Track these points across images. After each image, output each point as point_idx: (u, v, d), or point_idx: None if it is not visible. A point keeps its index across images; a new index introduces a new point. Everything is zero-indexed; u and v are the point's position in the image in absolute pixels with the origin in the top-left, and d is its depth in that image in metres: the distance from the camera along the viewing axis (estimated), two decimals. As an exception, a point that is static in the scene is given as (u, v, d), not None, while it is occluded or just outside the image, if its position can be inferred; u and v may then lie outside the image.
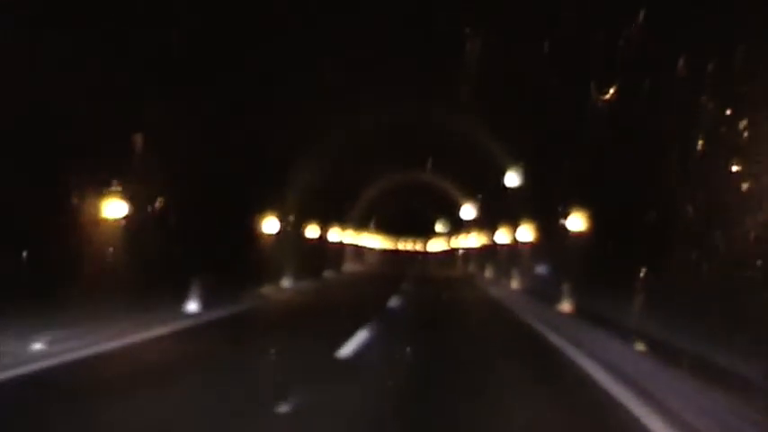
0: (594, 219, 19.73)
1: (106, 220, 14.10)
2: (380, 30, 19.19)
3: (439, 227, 72.71)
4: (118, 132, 14.45)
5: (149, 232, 14.98)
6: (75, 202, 13.50)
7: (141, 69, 14.97)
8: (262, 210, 25.71)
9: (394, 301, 23.72)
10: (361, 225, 59.91)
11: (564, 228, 20.93)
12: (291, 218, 29.73)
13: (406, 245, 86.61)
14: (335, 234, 42.83)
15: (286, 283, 28.14)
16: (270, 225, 25.80)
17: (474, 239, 50.93)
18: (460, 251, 59.43)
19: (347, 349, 12.76)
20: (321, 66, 22.38)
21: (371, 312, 19.34)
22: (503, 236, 37.36)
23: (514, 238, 32.08)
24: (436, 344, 14.29)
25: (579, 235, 20.31)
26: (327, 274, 38.86)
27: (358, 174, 42.38)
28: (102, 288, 13.79)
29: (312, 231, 34.32)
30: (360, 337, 14.31)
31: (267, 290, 24.88)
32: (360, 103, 28.74)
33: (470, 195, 47.99)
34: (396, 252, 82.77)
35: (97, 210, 13.94)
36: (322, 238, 38.79)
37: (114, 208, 14.13)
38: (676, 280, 12.83)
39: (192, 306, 17.71)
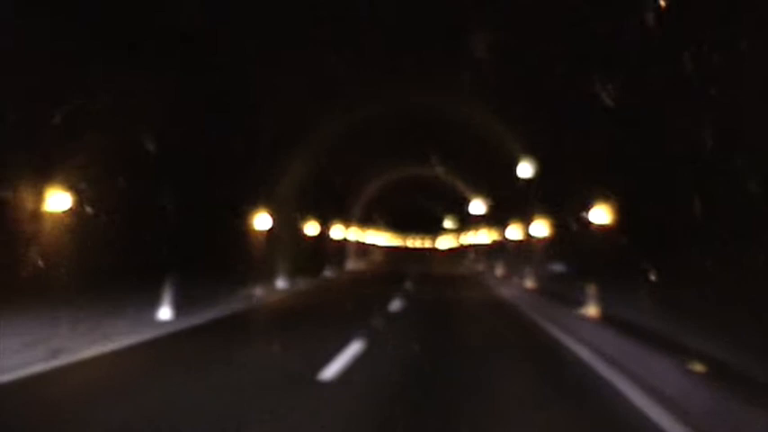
0: (621, 211, 17.30)
1: (47, 215, 11.74)
2: (386, 16, 18.08)
3: (447, 223, 70.32)
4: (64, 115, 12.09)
5: (102, 227, 12.62)
6: (9, 195, 11.15)
7: (93, 38, 12.67)
8: (252, 204, 23.35)
9: (395, 305, 21.34)
10: (366, 222, 57.50)
11: (585, 221, 18.49)
12: (286, 213, 27.35)
13: (414, 242, 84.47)
14: (337, 231, 40.42)
15: (280, 283, 25.77)
16: (261, 221, 23.42)
17: (483, 236, 48.48)
18: (469, 248, 56.91)
19: (332, 369, 10.39)
20: (321, 49, 20.46)
21: (368, 318, 17.01)
22: (514, 232, 34.93)
23: (527, 234, 29.62)
24: (440, 363, 11.85)
25: (603, 229, 17.88)
26: (328, 272, 36.50)
27: (361, 168, 39.97)
28: (40, 291, 11.46)
29: (311, 228, 31.94)
30: (350, 352, 11.95)
31: (258, 291, 22.53)
32: (362, 90, 26.63)
33: (480, 190, 45.53)
34: (403, 249, 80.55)
35: (36, 203, 11.58)
36: (322, 235, 36.42)
37: (57, 201, 11.78)
38: (731, 283, 10.48)
39: (164, 312, 15.37)
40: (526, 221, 29.95)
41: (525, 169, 27.94)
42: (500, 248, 39.47)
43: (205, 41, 16.29)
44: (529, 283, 27.21)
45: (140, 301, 15.48)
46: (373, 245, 69.57)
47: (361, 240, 58.78)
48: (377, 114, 29.52)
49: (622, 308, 15.78)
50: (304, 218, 31.55)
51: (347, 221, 46.32)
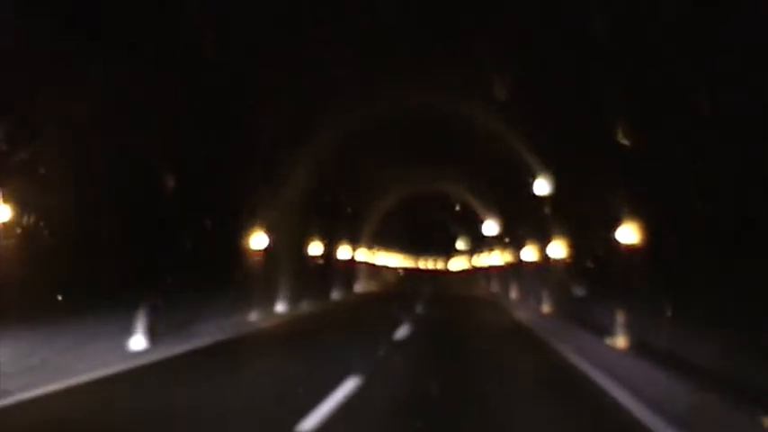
0: (652, 230, 15.40)
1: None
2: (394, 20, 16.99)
3: (460, 244, 68.36)
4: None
5: (49, 244, 10.84)
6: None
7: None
8: (249, 222, 21.58)
9: (402, 331, 19.43)
10: (376, 242, 55.63)
11: (611, 242, 16.57)
12: (287, 232, 25.55)
13: (426, 263, 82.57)
14: (345, 251, 38.57)
15: (280, 307, 23.90)
16: (258, 239, 21.63)
17: (497, 257, 46.51)
18: (483, 270, 54.90)
19: (315, 418, 8.51)
20: (323, 55, 18.93)
21: (370, 348, 15.14)
22: (529, 253, 33.00)
23: (544, 255, 27.68)
24: (448, 413, 9.90)
25: (631, 250, 15.97)
26: (335, 295, 34.59)
27: (369, 185, 38.15)
28: None
29: (315, 248, 30.11)
30: (341, 393, 10.07)
31: (253, 316, 20.69)
32: (368, 99, 24.99)
33: (493, 209, 43.66)
34: (415, 270, 78.67)
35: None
36: (329, 255, 34.59)
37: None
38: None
39: (137, 342, 13.54)
40: (543, 242, 28.05)
41: (542, 186, 26.08)
42: (515, 270, 37.52)
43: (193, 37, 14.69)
44: (546, 308, 25.25)
45: (118, 327, 13.68)
46: (384, 266, 67.67)
47: (372, 261, 56.89)
48: (383, 125, 27.81)
49: (654, 335, 13.87)
50: (307, 237, 29.74)
51: (355, 242, 44.50)
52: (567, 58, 16.29)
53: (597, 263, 20.02)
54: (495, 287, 46.31)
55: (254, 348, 16.04)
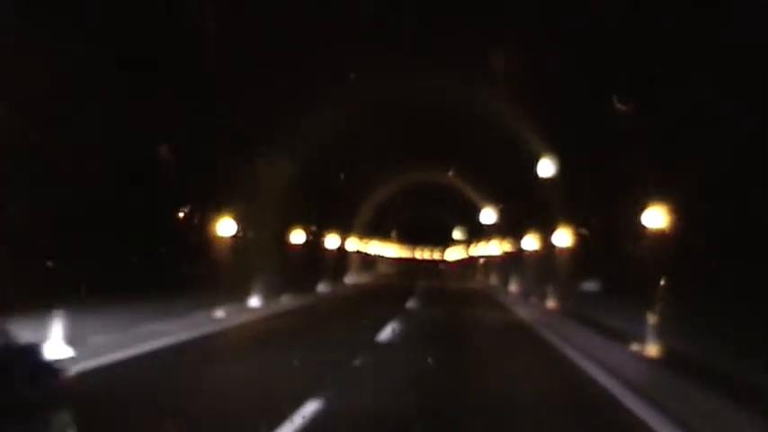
0: (684, 213, 12.69)
1: None
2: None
3: (457, 234, 65.61)
4: None
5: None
6: None
7: None
8: (214, 207, 18.85)
9: (389, 331, 16.73)
10: (371, 232, 52.86)
11: (635, 227, 13.84)
12: (264, 218, 22.82)
13: (423, 253, 79.95)
14: (333, 240, 35.80)
15: (254, 302, 21.16)
16: (225, 227, 18.90)
17: (495, 247, 43.81)
18: (480, 260, 52.17)
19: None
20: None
21: (346, 355, 12.43)
22: (531, 242, 30.34)
23: (548, 244, 24.97)
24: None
25: (659, 236, 13.25)
26: (322, 287, 31.85)
27: (362, 172, 35.32)
28: None
29: (297, 236, 27.37)
30: (300, 418, 7.42)
31: (219, 313, 17.94)
32: (358, 79, 22.31)
33: (492, 197, 40.96)
34: (411, 261, 76.05)
35: None
36: (315, 244, 31.90)
37: None
38: None
39: (57, 349, 10.81)
40: (546, 230, 25.33)
41: (546, 168, 23.36)
42: (515, 261, 34.84)
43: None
44: (551, 303, 22.54)
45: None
46: (379, 256, 64.98)
47: (365, 251, 54.15)
48: (376, 106, 25.10)
49: (690, 342, 11.19)
50: (290, 225, 27.01)
51: (347, 231, 41.77)
52: (570, 30, 14.89)
53: (611, 253, 17.28)
54: (493, 279, 43.63)
55: (208, 355, 13.22)
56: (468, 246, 61.55)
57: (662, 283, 12.02)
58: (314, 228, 30.90)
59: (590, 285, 18.21)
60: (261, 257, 21.86)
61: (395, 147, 31.11)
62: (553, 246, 23.58)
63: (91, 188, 13.39)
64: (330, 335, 15.96)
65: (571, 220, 22.41)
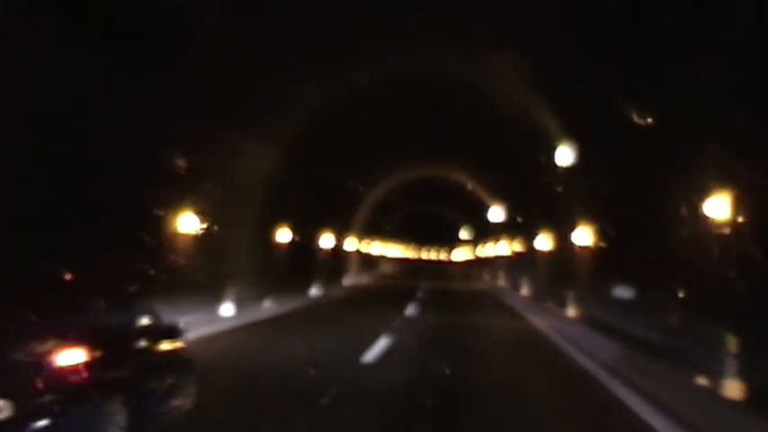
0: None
1: None
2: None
3: (463, 234, 62.41)
4: None
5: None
6: None
7: None
8: (177, 200, 15.69)
9: (378, 349, 13.56)
10: (372, 231, 49.67)
11: (690, 221, 10.63)
12: (240, 215, 19.68)
13: (429, 254, 76.91)
14: (328, 240, 32.60)
15: (225, 310, 17.99)
16: (187, 222, 15.76)
17: (504, 247, 40.61)
18: (488, 260, 48.91)
19: None
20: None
21: (326, 377, 9.29)
22: (544, 241, 27.17)
23: (565, 243, 21.73)
24: None
25: (722, 232, 10.04)
26: (315, 291, 28.69)
27: (360, 169, 32.10)
28: None
29: (284, 235, 24.20)
30: None
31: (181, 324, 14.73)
32: (354, 58, 19.47)
33: (500, 193, 37.81)
34: (416, 262, 73.00)
35: None
36: (307, 243, 28.75)
37: None
38: None
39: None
40: (563, 227, 22.10)
41: (565, 155, 20.19)
42: (526, 261, 31.63)
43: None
44: (572, 311, 19.32)
45: None
46: (382, 256, 61.85)
47: (366, 251, 50.98)
48: (372, 95, 22.04)
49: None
50: (275, 222, 23.85)
51: (344, 229, 38.63)
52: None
53: (651, 252, 14.05)
54: (502, 281, 40.42)
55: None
56: (476, 246, 58.31)
57: (738, 290, 8.78)
58: (305, 225, 27.74)
59: (622, 291, 14.97)
60: (236, 258, 18.72)
61: (396, 137, 27.88)
62: (572, 245, 20.36)
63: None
64: (304, 357, 12.74)
65: (594, 214, 19.21)
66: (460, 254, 68.36)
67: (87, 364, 6.03)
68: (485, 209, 41.85)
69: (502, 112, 22.26)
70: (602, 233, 19.05)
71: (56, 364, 5.89)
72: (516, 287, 32.65)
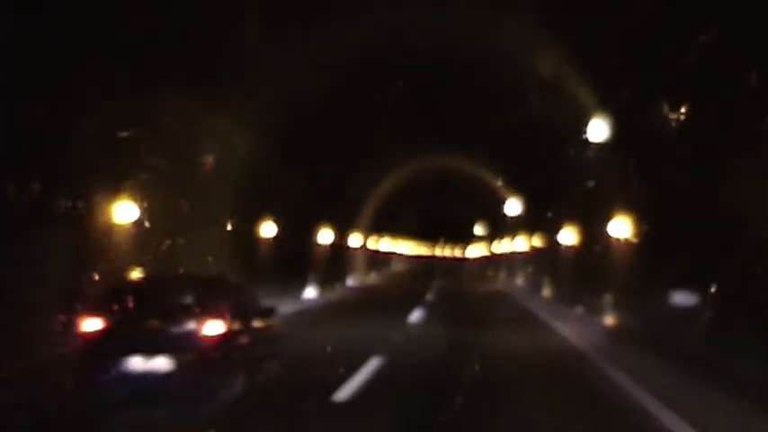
0: None
1: None
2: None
3: (478, 229, 58.65)
4: None
5: None
6: None
7: None
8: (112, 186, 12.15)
9: (363, 377, 10.00)
10: (381, 225, 45.92)
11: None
12: (210, 205, 16.12)
13: (443, 251, 73.25)
14: (326, 236, 28.98)
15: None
16: (124, 212, 12.21)
17: (522, 243, 36.88)
18: (504, 257, 45.10)
19: None
20: None
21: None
22: (569, 235, 23.53)
23: (597, 237, 18.00)
24: None
25: None
26: (310, 293, 25.03)
27: (363, 159, 28.42)
28: None
29: (268, 229, 20.61)
30: None
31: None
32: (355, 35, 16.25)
33: (518, 184, 34.12)
34: (429, 258, 69.31)
35: None
36: (301, 240, 25.23)
37: None
38: None
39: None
40: (596, 218, 18.36)
41: (599, 129, 16.56)
42: (547, 258, 27.94)
43: None
44: (609, 319, 15.61)
45: None
46: (393, 253, 58.21)
47: (375, 248, 47.33)
48: (375, 71, 18.65)
49: None
50: (259, 214, 20.32)
51: (348, 224, 35.06)
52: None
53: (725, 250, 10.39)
54: (520, 280, 36.68)
55: None
56: (491, 242, 54.44)
57: None
58: (299, 219, 24.20)
59: (682, 298, 11.30)
60: (198, 255, 15.16)
61: (402, 120, 24.10)
62: (606, 238, 16.67)
63: None
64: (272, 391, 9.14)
65: (637, 202, 15.50)
66: (475, 250, 64.65)
67: (224, 334, 8.24)
68: (501, 202, 38.19)
69: (522, 84, 18.62)
70: (640, 225, 15.41)
71: (203, 333, 8.15)
72: (536, 287, 28.96)
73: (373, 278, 41.69)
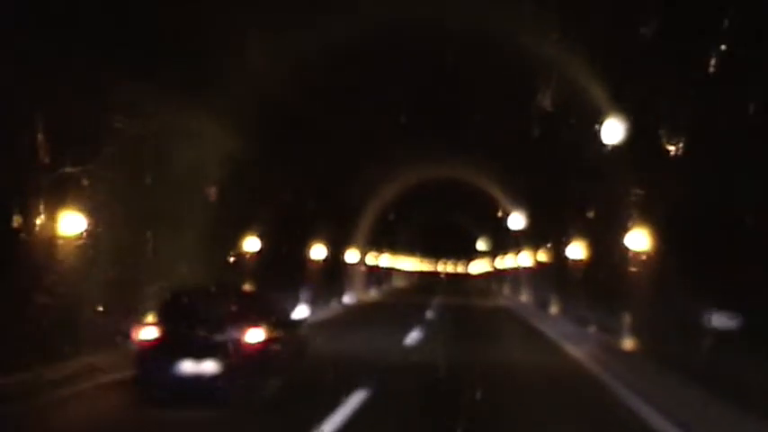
0: None
1: None
2: None
3: (481, 245, 56.81)
4: None
5: None
6: None
7: None
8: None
9: (341, 417, 8.22)
10: (379, 240, 44.11)
11: None
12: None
13: (446, 266, 71.49)
14: (319, 251, 27.20)
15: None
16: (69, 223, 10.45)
17: (526, 258, 35.09)
18: (508, 273, 43.24)
19: None
20: None
21: None
22: (578, 250, 21.78)
23: (612, 250, 16.18)
24: None
25: None
26: (300, 312, 23.07)
27: (358, 160, 26.61)
28: None
29: (252, 244, 18.85)
30: None
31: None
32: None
33: (522, 195, 32.35)
34: (431, 274, 67.57)
35: None
36: (292, 254, 23.45)
37: None
38: None
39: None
40: (609, 229, 16.56)
41: (614, 131, 14.83)
42: (554, 274, 26.16)
43: None
44: (629, 342, 13.78)
45: None
46: (393, 269, 56.36)
47: (374, 264, 45.50)
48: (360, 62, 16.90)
49: None
50: (243, 229, 18.55)
51: (344, 239, 33.28)
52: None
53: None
54: (524, 296, 34.85)
55: None
56: (494, 257, 52.60)
57: None
58: (288, 233, 22.43)
59: (721, 320, 9.52)
60: (164, 272, 13.36)
61: (401, 127, 22.24)
62: (623, 251, 14.89)
63: None
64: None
65: (657, 212, 13.74)
66: (479, 266, 62.84)
67: (263, 342, 9.54)
68: (503, 217, 36.45)
69: (527, 82, 16.88)
70: (660, 236, 13.65)
71: (245, 341, 9.36)
72: (543, 304, 27.14)
73: (372, 295, 39.81)
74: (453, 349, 15.53)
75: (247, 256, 18.76)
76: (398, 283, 57.57)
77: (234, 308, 9.87)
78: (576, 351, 14.79)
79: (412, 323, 20.33)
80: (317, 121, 19.17)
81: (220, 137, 15.89)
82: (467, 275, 66.80)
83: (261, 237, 18.99)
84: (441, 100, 20.47)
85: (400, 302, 35.03)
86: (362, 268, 39.53)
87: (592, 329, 16.81)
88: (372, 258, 43.69)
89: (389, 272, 54.97)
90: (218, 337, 9.20)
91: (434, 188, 38.15)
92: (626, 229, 14.77)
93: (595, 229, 17.75)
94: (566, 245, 22.65)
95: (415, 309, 27.85)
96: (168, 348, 9.10)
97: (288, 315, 11.36)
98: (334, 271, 29.84)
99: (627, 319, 13.73)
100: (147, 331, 9.27)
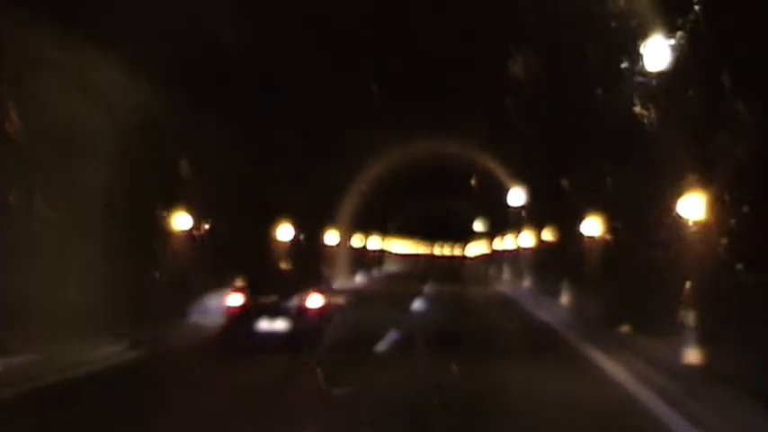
0: None
1: None
2: None
3: (478, 226, 52.41)
4: None
5: None
6: None
7: None
8: None
9: None
10: (366, 221, 39.68)
11: None
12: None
13: (442, 249, 67.43)
14: (286, 231, 22.77)
15: None
16: None
17: (528, 238, 30.77)
18: (508, 255, 38.81)
19: None
20: None
21: None
22: (594, 225, 17.61)
23: (657, 223, 11.79)
24: None
25: None
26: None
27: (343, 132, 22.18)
28: None
29: (184, 221, 14.47)
30: None
31: None
32: None
33: (522, 172, 28.11)
34: (426, 258, 63.52)
35: None
36: (261, 236, 19.09)
37: None
38: None
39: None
40: (656, 195, 12.10)
41: (658, 54, 10.48)
42: (561, 255, 21.87)
43: None
44: (693, 354, 9.36)
45: None
46: (384, 252, 52.09)
47: (362, 247, 41.15)
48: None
49: None
50: (171, 204, 14.19)
51: (325, 219, 28.97)
52: None
53: None
54: (527, 282, 30.48)
55: None
56: (492, 239, 48.08)
57: None
58: (248, 211, 18.08)
59: None
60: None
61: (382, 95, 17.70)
62: (675, 224, 10.53)
63: None
64: None
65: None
66: (476, 249, 58.56)
67: (321, 307, 12.34)
68: (504, 192, 32.14)
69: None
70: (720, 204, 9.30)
71: (307, 305, 12.16)
72: (549, 291, 22.77)
73: (357, 281, 35.39)
74: (445, 353, 11.13)
75: (176, 235, 14.37)
76: (391, 267, 53.27)
77: (299, 280, 13.06)
78: (610, 364, 10.38)
79: (390, 326, 15.58)
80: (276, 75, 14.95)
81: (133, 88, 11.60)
82: (464, 258, 62.69)
83: (195, 213, 14.59)
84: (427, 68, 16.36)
85: (388, 292, 30.47)
86: (345, 251, 35.04)
87: (626, 329, 12.43)
88: (358, 241, 39.31)
89: (381, 256, 50.68)
90: (288, 303, 12.07)
91: (427, 163, 33.76)
92: (678, 193, 10.39)
93: (627, 196, 13.24)
94: (579, 221, 18.34)
95: (402, 299, 23.50)
96: (249, 311, 11.98)
97: (331, 285, 15.25)
98: (308, 255, 25.39)
99: (689, 318, 9.24)
100: (234, 298, 12.14)
